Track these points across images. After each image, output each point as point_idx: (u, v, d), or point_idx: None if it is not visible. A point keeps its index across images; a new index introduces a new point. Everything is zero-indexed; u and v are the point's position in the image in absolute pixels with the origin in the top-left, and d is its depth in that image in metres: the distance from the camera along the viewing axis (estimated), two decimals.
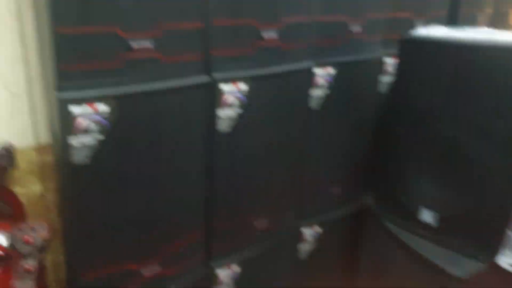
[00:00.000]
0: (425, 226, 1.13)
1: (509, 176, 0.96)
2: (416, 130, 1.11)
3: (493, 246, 1.02)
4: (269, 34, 1.00)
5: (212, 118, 0.97)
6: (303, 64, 1.10)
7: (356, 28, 1.20)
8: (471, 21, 1.57)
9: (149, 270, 0.97)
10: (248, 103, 1.00)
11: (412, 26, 1.36)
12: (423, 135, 1.10)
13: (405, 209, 1.17)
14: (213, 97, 0.95)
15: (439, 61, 1.03)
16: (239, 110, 0.99)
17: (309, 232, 1.33)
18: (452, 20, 1.49)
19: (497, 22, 1.69)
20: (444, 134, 1.05)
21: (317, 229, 1.35)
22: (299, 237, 1.32)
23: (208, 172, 1.01)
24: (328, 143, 1.27)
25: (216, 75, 0.94)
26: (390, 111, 1.19)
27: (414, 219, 1.15)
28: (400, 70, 1.15)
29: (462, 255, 1.06)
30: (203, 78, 0.92)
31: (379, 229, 1.25)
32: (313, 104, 1.18)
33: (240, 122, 1.00)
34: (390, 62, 1.32)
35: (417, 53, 1.08)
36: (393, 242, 1.19)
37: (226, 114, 0.98)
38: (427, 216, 1.12)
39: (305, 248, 1.35)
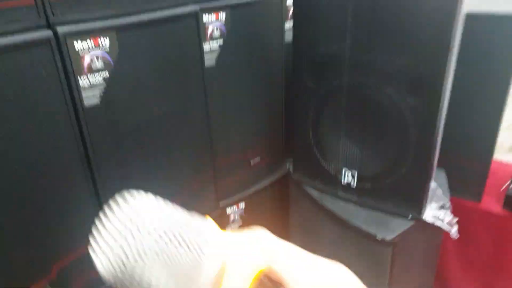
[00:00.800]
0: (347, 188, 1.01)
1: (425, 121, 0.85)
2: (324, 82, 0.96)
3: (420, 202, 0.92)
4: None
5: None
6: (185, 9, 0.87)
7: None
8: None
9: None
10: (115, 67, 0.77)
11: None
12: (332, 87, 0.95)
13: (325, 172, 1.04)
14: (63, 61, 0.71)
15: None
16: (105, 76, 0.76)
17: (234, 211, 1.19)
18: None
19: None
20: (351, 82, 0.91)
21: (242, 205, 1.20)
22: (226, 220, 1.18)
23: None
24: (235, 107, 1.08)
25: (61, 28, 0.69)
26: (294, 62, 1.02)
27: (335, 183, 1.03)
28: (297, 10, 0.97)
29: (389, 216, 0.96)
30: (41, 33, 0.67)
31: (303, 197, 1.11)
32: (207, 60, 0.97)
33: (108, 92, 0.77)
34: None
35: None
36: (318, 209, 1.06)
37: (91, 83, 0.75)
38: (347, 177, 1.00)
39: (232, 228, 1.21)
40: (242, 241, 0.41)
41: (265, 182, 1.24)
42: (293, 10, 0.97)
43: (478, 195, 1.19)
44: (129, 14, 0.77)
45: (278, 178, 1.26)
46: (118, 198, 0.37)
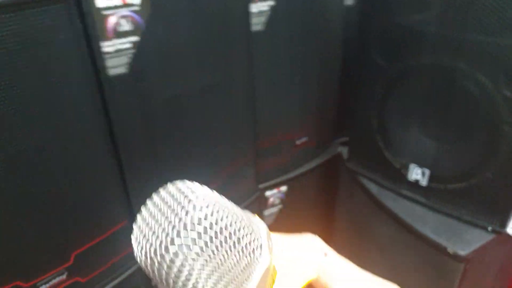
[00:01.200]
0: (414, 186, 0.85)
1: None
2: (398, 60, 0.79)
3: (505, 213, 0.75)
4: None
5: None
6: None
7: None
8: None
9: None
10: (146, 30, 0.63)
11: None
12: (408, 67, 0.78)
13: (388, 165, 0.88)
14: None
15: None
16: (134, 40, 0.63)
17: (274, 194, 1.07)
18: None
19: None
20: (434, 64, 0.73)
21: (283, 188, 1.08)
22: (264, 203, 1.06)
23: None
24: (283, 80, 0.94)
25: None
26: (361, 33, 0.84)
27: (400, 178, 0.87)
28: None
29: (463, 225, 0.80)
30: None
31: (357, 189, 0.97)
32: (255, 24, 0.82)
33: (137, 60, 0.64)
34: None
35: None
36: (374, 206, 0.91)
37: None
38: (416, 174, 0.84)
39: (271, 212, 1.10)
40: (294, 247, 0.40)
41: (311, 165, 1.11)
42: None
43: None
44: None
45: (326, 161, 1.13)
46: (175, 185, 0.35)
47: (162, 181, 0.39)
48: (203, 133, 0.80)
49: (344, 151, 1.04)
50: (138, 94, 0.66)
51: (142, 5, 0.61)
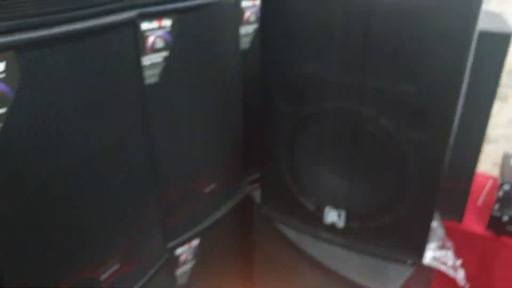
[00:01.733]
0: (332, 229, 0.84)
1: (429, 158, 0.70)
2: (302, 106, 0.78)
3: (421, 245, 0.78)
4: None
5: None
6: (119, 17, 0.65)
7: None
8: None
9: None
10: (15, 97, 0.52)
11: None
12: (312, 112, 0.77)
13: (303, 209, 0.86)
14: None
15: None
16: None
17: (185, 250, 0.99)
18: None
19: None
20: (337, 108, 0.73)
21: (195, 242, 1.00)
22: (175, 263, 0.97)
23: None
24: (184, 129, 0.87)
25: None
26: (264, 81, 0.82)
27: (316, 221, 0.85)
28: (266, 17, 0.77)
29: (385, 262, 0.80)
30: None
31: (274, 236, 0.93)
32: (148, 76, 0.75)
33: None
34: (249, 6, 0.95)
35: None
36: (294, 252, 0.88)
37: None
38: (332, 216, 0.83)
39: (184, 270, 1.00)
40: None
41: (223, 211, 1.05)
42: (262, 18, 0.77)
43: (459, 215, 1.08)
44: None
45: (237, 204, 1.08)
46: None
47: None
48: (96, 204, 0.69)
49: (256, 194, 1.00)
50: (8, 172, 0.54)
51: (8, 71, 0.49)
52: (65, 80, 0.58)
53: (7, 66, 0.50)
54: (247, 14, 0.99)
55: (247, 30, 1.01)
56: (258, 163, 0.93)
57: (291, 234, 0.90)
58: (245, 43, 1.01)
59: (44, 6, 0.53)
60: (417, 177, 0.71)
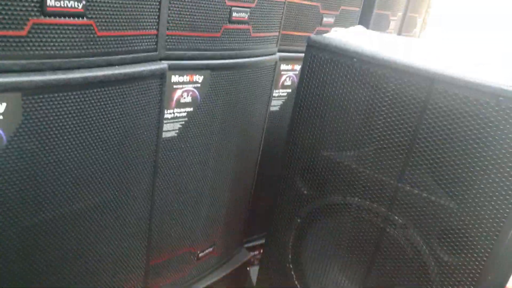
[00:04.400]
0: None
1: (456, 284, 0.61)
2: (323, 193, 0.70)
3: None
4: None
5: None
6: (148, 66, 0.60)
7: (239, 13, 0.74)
8: (383, 22, 1.24)
9: None
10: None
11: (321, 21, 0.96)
12: (332, 202, 0.70)
13: None
14: None
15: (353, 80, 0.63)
16: None
17: None
18: (365, 19, 1.13)
19: (406, 25, 1.41)
20: (361, 206, 0.66)
21: None
22: None
23: None
24: (189, 189, 0.81)
25: None
26: (286, 156, 0.75)
27: None
28: (302, 92, 0.71)
29: None
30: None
31: None
32: (167, 130, 0.70)
33: None
34: (288, 69, 0.91)
35: (325, 63, 0.66)
36: None
37: None
38: None
39: None
40: None
41: (215, 276, 0.97)
42: (298, 91, 0.71)
43: None
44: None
45: (232, 271, 0.99)
46: None
47: None
48: (78, 262, 0.62)
49: (252, 271, 0.91)
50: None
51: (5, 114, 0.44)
52: (72, 128, 0.53)
53: (6, 108, 0.45)
54: (283, 77, 0.95)
55: (280, 93, 0.96)
56: (262, 229, 0.85)
57: None
58: (275, 105, 0.97)
59: (72, 48, 0.48)
60: None
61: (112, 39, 0.51)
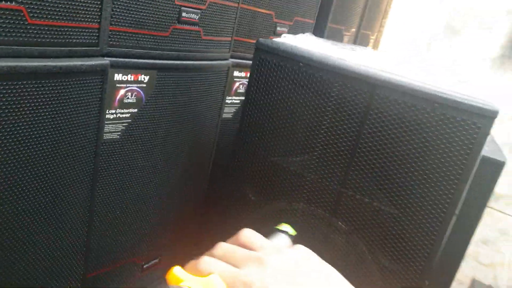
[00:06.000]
0: None
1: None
2: (271, 199, 0.69)
3: None
4: None
5: None
6: (90, 63, 0.57)
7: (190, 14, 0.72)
8: (337, 36, 1.27)
9: None
10: None
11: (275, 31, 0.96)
12: (281, 207, 0.69)
13: None
14: None
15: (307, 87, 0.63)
16: None
17: None
18: (319, 32, 1.15)
19: (359, 41, 1.46)
20: (307, 212, 0.65)
21: None
22: None
23: None
24: (132, 194, 0.77)
25: None
26: (233, 156, 0.74)
27: None
28: (249, 96, 0.70)
29: None
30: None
31: None
32: (109, 131, 0.67)
33: None
34: (241, 76, 0.90)
35: (273, 67, 0.66)
36: None
37: None
38: None
39: None
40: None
41: None
42: (246, 95, 0.70)
43: None
44: None
45: None
46: None
47: None
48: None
49: None
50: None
51: None
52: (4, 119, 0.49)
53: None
54: (236, 84, 0.94)
55: (233, 100, 0.95)
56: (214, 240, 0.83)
57: None
58: (228, 112, 0.96)
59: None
60: None
61: (46, 28, 0.48)
